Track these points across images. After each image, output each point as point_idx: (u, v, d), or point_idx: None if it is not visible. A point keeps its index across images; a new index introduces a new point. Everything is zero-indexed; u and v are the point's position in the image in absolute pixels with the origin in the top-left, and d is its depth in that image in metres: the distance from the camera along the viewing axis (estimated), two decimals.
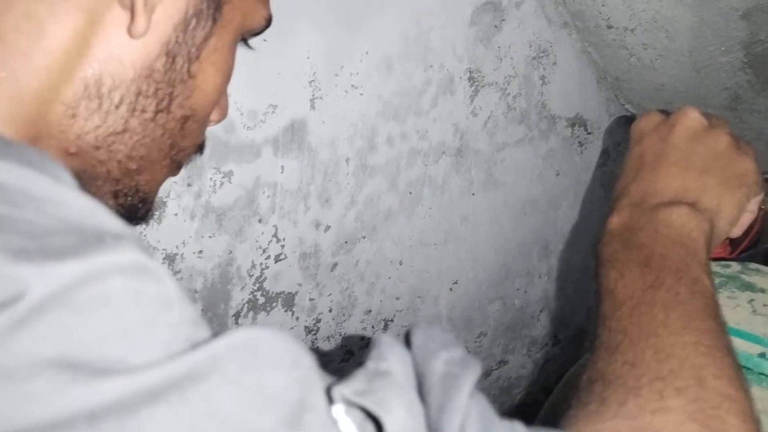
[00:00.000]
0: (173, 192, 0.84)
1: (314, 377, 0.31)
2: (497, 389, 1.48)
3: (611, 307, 0.48)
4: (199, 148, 0.52)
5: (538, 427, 0.37)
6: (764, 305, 0.78)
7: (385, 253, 1.11)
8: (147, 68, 0.43)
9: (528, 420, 0.38)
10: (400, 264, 1.14)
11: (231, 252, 0.91)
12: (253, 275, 0.95)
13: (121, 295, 0.29)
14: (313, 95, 0.93)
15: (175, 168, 0.50)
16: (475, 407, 0.33)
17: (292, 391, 0.30)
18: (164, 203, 0.83)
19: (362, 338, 1.13)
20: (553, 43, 1.21)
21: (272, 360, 0.30)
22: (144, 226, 0.82)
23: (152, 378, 0.27)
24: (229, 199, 0.89)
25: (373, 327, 1.15)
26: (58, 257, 0.28)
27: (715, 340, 0.44)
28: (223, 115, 0.54)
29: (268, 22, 0.52)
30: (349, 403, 0.31)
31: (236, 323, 0.95)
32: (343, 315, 1.09)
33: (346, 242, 1.04)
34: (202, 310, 0.91)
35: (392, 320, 1.18)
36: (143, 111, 0.44)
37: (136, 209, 0.49)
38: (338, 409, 0.31)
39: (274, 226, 0.95)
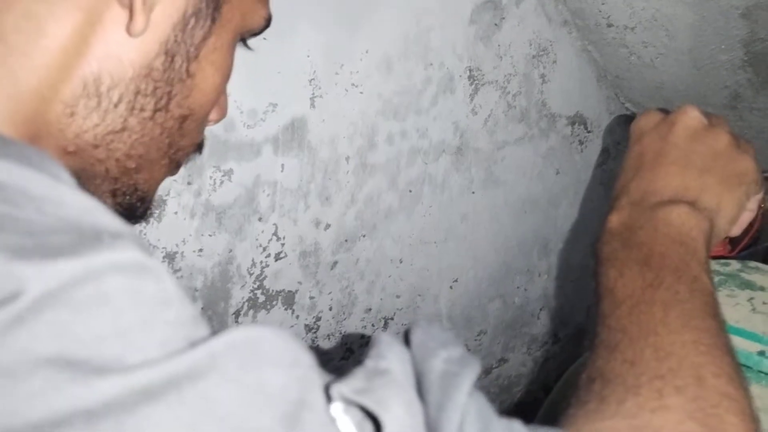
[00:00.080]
0: (173, 190, 0.84)
1: (313, 376, 0.31)
2: (497, 387, 1.48)
3: (611, 305, 0.48)
4: (198, 148, 0.52)
5: (537, 426, 0.37)
6: (764, 303, 0.78)
7: (385, 251, 1.11)
8: (146, 67, 0.43)
9: (528, 418, 0.38)
10: (400, 262, 1.14)
11: (231, 250, 0.91)
12: (253, 273, 0.95)
13: (120, 293, 0.29)
14: (313, 94, 0.93)
15: (173, 167, 0.50)
16: (473, 406, 0.33)
17: (292, 390, 0.30)
18: (164, 202, 0.83)
19: (362, 336, 1.13)
20: (553, 42, 1.21)
21: (272, 358, 0.30)
22: (144, 224, 0.82)
23: (150, 377, 0.27)
24: (229, 198, 0.89)
25: (373, 325, 1.15)
26: (56, 256, 0.28)
27: (715, 339, 0.44)
28: (222, 114, 0.54)
29: (268, 21, 0.51)
30: (348, 402, 0.31)
31: (236, 321, 0.95)
32: (344, 313, 1.09)
33: (346, 240, 1.04)
34: (202, 308, 0.91)
35: (392, 318, 1.18)
36: (142, 110, 0.44)
37: (135, 208, 0.49)
38: (337, 408, 0.31)
39: (274, 224, 0.95)
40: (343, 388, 0.31)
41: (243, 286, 0.94)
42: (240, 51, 0.52)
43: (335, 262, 1.04)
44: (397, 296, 1.16)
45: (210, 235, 0.89)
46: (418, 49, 1.02)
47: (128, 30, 0.42)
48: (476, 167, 1.18)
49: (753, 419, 0.41)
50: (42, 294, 0.27)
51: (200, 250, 0.88)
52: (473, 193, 1.20)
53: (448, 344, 0.36)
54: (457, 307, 1.28)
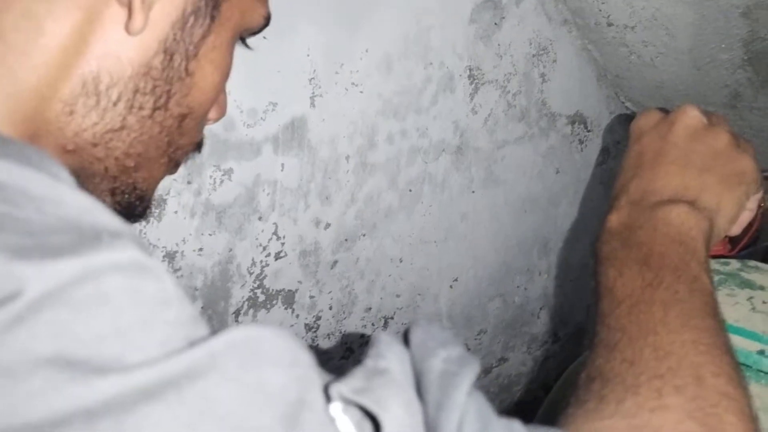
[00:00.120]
0: (173, 190, 0.84)
1: (313, 375, 0.31)
2: (497, 386, 1.48)
3: (610, 305, 0.48)
4: (197, 147, 0.52)
5: (537, 426, 0.37)
6: (763, 302, 0.77)
7: (385, 250, 1.11)
8: (145, 65, 0.43)
9: (527, 418, 0.38)
10: (400, 261, 1.14)
11: (231, 250, 0.91)
12: (253, 273, 0.95)
13: (119, 293, 0.29)
14: (313, 93, 0.93)
15: (173, 166, 0.50)
16: (473, 405, 0.33)
17: (291, 389, 0.30)
18: (164, 201, 0.83)
19: (362, 336, 1.13)
20: (553, 41, 1.21)
21: (271, 358, 0.30)
22: (144, 223, 0.82)
23: (150, 376, 0.27)
24: (229, 197, 0.89)
25: (373, 324, 1.15)
26: (55, 255, 0.28)
27: (714, 338, 0.44)
28: (222, 113, 0.54)
29: (267, 20, 0.51)
30: (347, 401, 0.31)
31: (236, 321, 0.95)
32: (343, 312, 1.09)
33: (346, 240, 1.04)
34: (202, 307, 0.91)
35: (392, 318, 1.18)
36: (141, 108, 0.44)
37: (134, 207, 0.49)
38: (336, 407, 0.31)
39: (274, 223, 0.95)
40: (342, 387, 0.31)
41: (243, 285, 0.94)
42: (240, 50, 0.52)
43: (335, 262, 1.04)
44: (397, 295, 1.17)
45: (210, 235, 0.89)
46: (418, 49, 1.02)
47: (127, 28, 0.42)
48: (476, 166, 1.18)
49: (752, 419, 0.41)
50: (41, 294, 0.27)
51: (200, 249, 0.88)
52: (473, 192, 1.20)
53: (448, 344, 0.36)
54: (457, 307, 1.28)
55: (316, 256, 1.02)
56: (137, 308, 0.29)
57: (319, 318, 1.06)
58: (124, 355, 0.27)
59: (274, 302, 0.99)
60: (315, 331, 1.07)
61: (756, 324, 0.76)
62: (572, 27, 1.21)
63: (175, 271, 0.87)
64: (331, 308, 1.07)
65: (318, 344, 1.08)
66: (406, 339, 0.37)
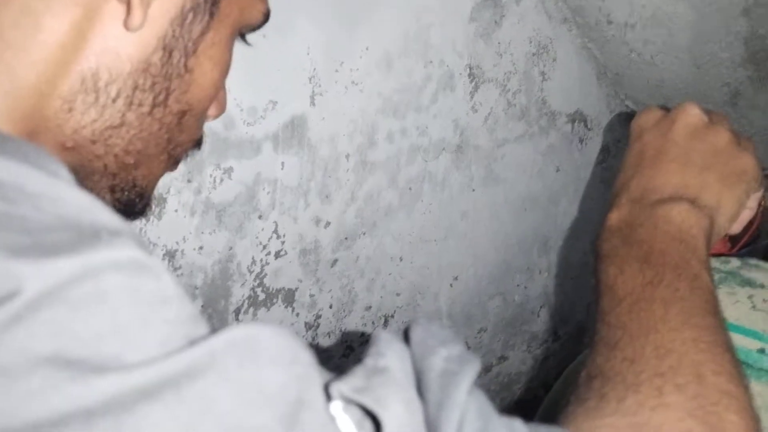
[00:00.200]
0: (173, 188, 0.84)
1: (313, 374, 0.31)
2: (497, 385, 1.48)
3: (611, 303, 0.48)
4: (197, 144, 0.52)
5: (538, 424, 0.37)
6: (764, 301, 0.77)
7: (385, 249, 1.11)
8: (144, 62, 0.43)
9: (528, 416, 0.38)
10: (400, 260, 1.14)
11: (231, 248, 0.91)
12: (253, 271, 0.95)
13: (118, 291, 0.28)
14: (313, 91, 0.92)
15: (172, 163, 0.50)
16: (473, 404, 0.33)
17: (291, 389, 0.30)
18: (164, 199, 0.83)
19: (362, 334, 1.13)
20: (553, 39, 1.21)
21: (271, 357, 0.30)
22: (144, 222, 0.82)
23: (149, 375, 0.27)
24: (229, 196, 0.89)
25: (373, 323, 1.15)
26: (54, 253, 0.28)
27: (715, 337, 0.44)
28: (221, 110, 0.54)
29: (266, 16, 0.51)
30: (348, 400, 0.31)
31: (237, 319, 0.95)
32: (344, 311, 1.09)
33: (346, 238, 1.04)
34: (202, 306, 0.91)
35: (392, 316, 1.18)
36: (140, 105, 0.44)
37: (134, 204, 0.49)
38: (336, 406, 0.31)
39: (275, 222, 0.95)
40: (342, 386, 0.31)
41: (243, 283, 0.94)
42: (240, 49, 0.52)
43: (335, 260, 1.04)
44: (397, 294, 1.16)
45: (210, 233, 0.89)
46: (418, 47, 1.02)
47: (126, 25, 0.42)
48: (476, 165, 1.18)
49: (753, 417, 0.41)
50: (40, 292, 0.27)
51: (200, 247, 0.88)
52: (473, 190, 1.20)
53: (448, 342, 0.36)
54: (457, 305, 1.28)
55: (316, 255, 1.01)
56: (136, 307, 0.29)
57: (319, 316, 1.06)
58: (124, 354, 0.27)
59: (275, 301, 0.99)
60: (315, 330, 1.07)
61: (756, 322, 0.76)
62: (572, 25, 1.21)
63: (175, 269, 0.87)
64: (331, 307, 1.07)
65: (318, 343, 1.08)
66: (406, 337, 0.37)
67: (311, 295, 1.03)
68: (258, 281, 0.96)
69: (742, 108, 1.15)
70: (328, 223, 1.01)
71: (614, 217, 0.54)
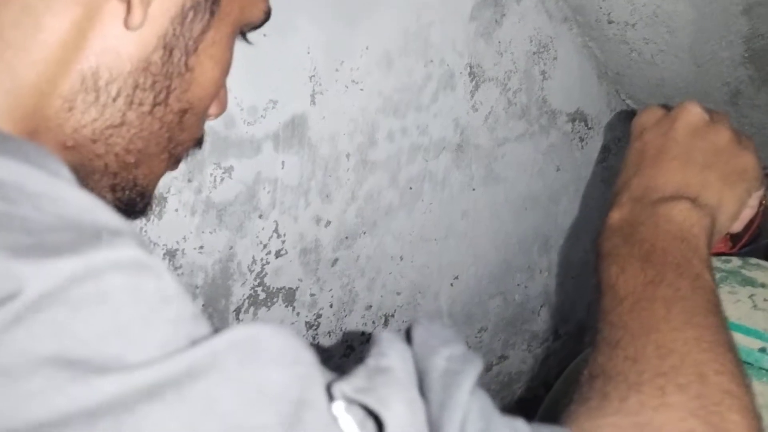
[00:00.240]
0: (174, 187, 0.84)
1: (315, 374, 0.31)
2: (498, 384, 1.48)
3: (612, 302, 0.48)
4: (198, 143, 0.52)
5: (540, 424, 0.37)
6: (765, 300, 0.77)
7: (386, 248, 1.11)
8: (144, 61, 0.43)
9: (528, 415, 0.38)
10: (401, 259, 1.14)
11: (232, 247, 0.91)
12: (253, 271, 0.95)
13: (119, 291, 0.28)
14: (314, 90, 0.92)
15: (173, 162, 0.50)
16: (476, 404, 0.33)
17: (293, 389, 0.29)
18: (165, 199, 0.83)
19: (363, 334, 1.13)
20: (553, 38, 1.21)
21: (273, 357, 0.30)
22: (144, 221, 0.82)
23: (150, 375, 0.27)
24: (230, 195, 0.89)
25: (373, 322, 1.15)
26: (55, 254, 0.28)
27: (717, 336, 0.44)
28: (222, 108, 0.54)
29: (267, 15, 0.51)
30: (350, 400, 0.31)
31: (237, 319, 0.95)
32: (344, 310, 1.09)
33: (346, 238, 1.04)
34: (203, 305, 0.91)
35: (393, 316, 1.18)
36: (141, 104, 0.44)
37: (135, 203, 0.49)
38: (338, 406, 0.30)
39: (275, 221, 0.95)
40: (344, 386, 0.31)
41: (244, 283, 0.94)
42: (240, 48, 0.52)
43: (336, 259, 1.04)
44: (398, 293, 1.16)
45: (210, 233, 0.89)
46: (418, 46, 1.02)
47: (126, 24, 0.41)
48: (477, 164, 1.18)
49: (755, 416, 0.41)
50: (41, 293, 0.27)
51: (201, 247, 0.88)
52: (474, 190, 1.20)
53: (450, 342, 0.36)
54: (457, 304, 1.28)
55: (317, 254, 1.01)
56: (138, 307, 0.29)
57: (319, 316, 1.06)
58: (125, 354, 0.27)
59: (275, 300, 0.99)
60: (315, 329, 1.07)
61: (757, 321, 0.76)
62: (573, 24, 1.21)
63: (176, 269, 0.87)
64: (331, 306, 1.07)
65: (319, 342, 1.08)
66: (408, 337, 0.37)
67: (312, 295, 1.03)
68: (258, 280, 0.96)
69: (743, 107, 1.15)
70: (328, 223, 1.01)
71: (615, 216, 0.54)
